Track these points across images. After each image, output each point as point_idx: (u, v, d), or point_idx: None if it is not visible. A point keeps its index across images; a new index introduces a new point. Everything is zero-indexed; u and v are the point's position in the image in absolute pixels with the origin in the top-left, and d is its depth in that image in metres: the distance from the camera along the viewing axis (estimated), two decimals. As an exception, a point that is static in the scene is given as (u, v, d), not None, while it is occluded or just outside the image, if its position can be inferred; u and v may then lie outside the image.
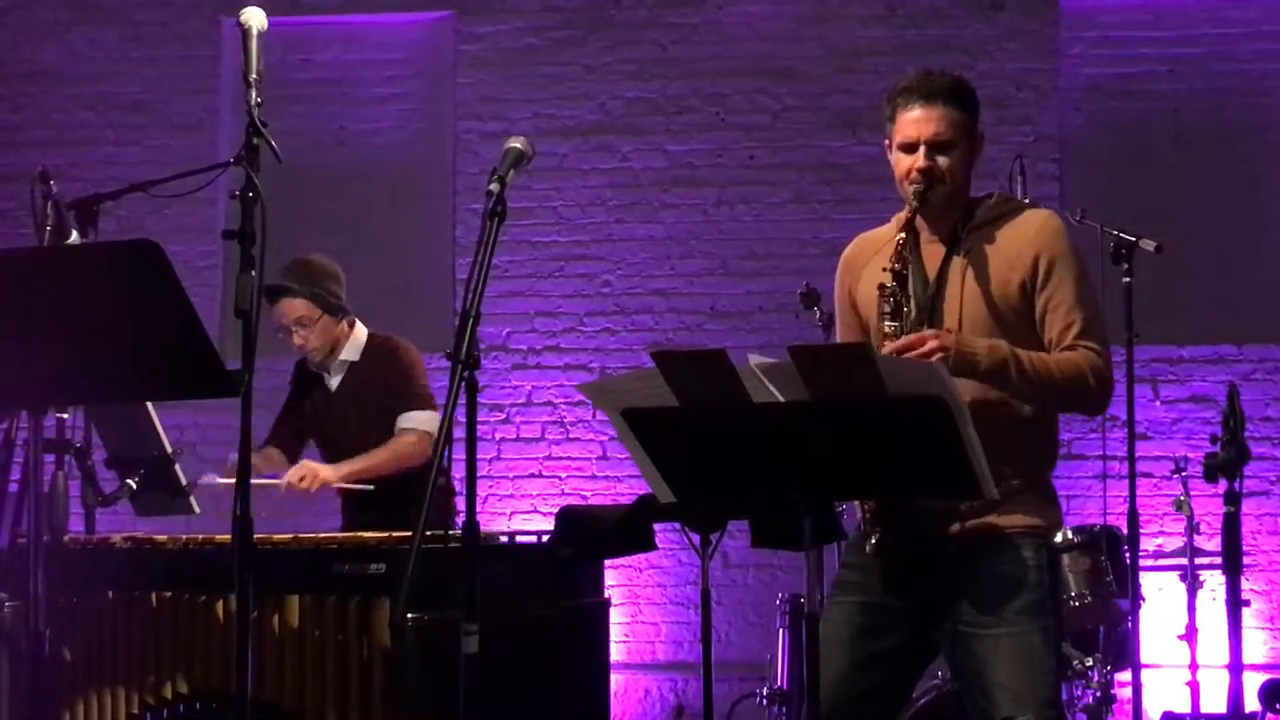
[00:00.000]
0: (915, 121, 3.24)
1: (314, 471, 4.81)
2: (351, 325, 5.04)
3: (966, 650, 3.21)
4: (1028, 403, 3.21)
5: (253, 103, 3.09)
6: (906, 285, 3.20)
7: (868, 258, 3.38)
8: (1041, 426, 3.29)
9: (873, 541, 3.19)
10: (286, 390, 5.23)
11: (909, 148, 3.26)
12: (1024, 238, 3.26)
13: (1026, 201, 3.45)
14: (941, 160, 3.24)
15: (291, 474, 4.80)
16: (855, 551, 3.31)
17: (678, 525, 4.10)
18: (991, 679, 3.16)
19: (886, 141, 3.33)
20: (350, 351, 5.02)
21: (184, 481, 3.96)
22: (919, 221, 3.28)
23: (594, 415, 7.26)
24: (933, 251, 3.30)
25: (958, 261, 3.27)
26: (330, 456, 5.02)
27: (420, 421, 4.90)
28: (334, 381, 5.05)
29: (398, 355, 5.02)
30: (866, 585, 3.26)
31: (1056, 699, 3.24)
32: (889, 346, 3.09)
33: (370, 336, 5.07)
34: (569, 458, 7.38)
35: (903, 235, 3.20)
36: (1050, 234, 3.27)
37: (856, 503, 3.27)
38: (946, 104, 3.24)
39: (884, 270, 3.19)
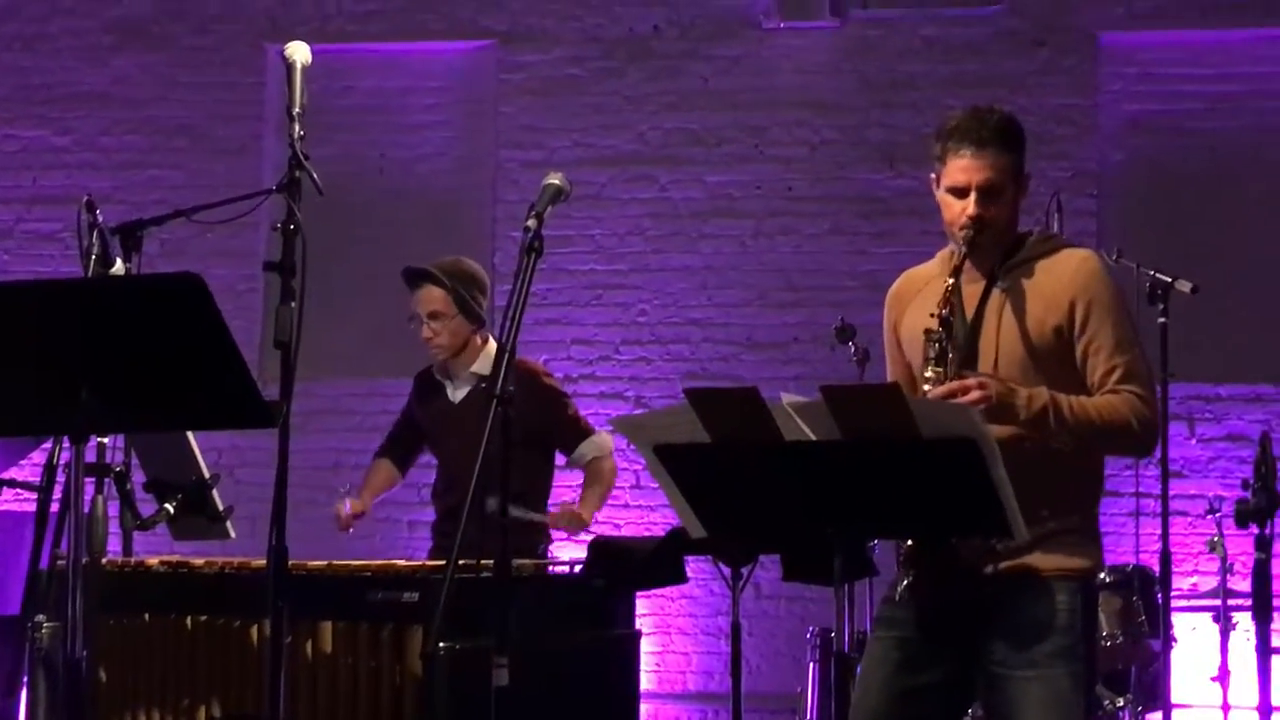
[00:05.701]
0: (965, 169, 3.22)
1: (578, 516, 4.90)
2: (485, 341, 4.92)
3: (998, 691, 3.21)
4: (1068, 449, 3.19)
5: (295, 136, 3.14)
6: (952, 331, 3.18)
7: (912, 295, 3.38)
8: (1083, 463, 3.26)
9: (905, 584, 3.18)
10: (395, 412, 5.19)
11: (959, 192, 3.24)
12: (1061, 280, 3.24)
13: (1066, 240, 3.44)
14: (992, 207, 3.23)
15: (560, 519, 4.89)
16: (893, 590, 3.30)
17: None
18: None
19: (934, 177, 3.32)
20: (482, 365, 4.87)
21: (221, 507, 4.00)
22: None
23: (628, 444, 7.24)
24: (972, 290, 3.30)
25: (996, 298, 3.26)
26: (448, 469, 4.95)
27: (599, 447, 4.98)
28: (458, 394, 4.91)
29: (541, 386, 4.88)
30: (904, 622, 3.27)
31: None
32: (932, 393, 3.08)
33: None
34: (603, 486, 7.38)
35: (951, 280, 3.20)
36: (1087, 276, 3.24)
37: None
38: (997, 149, 3.23)
39: (931, 315, 3.17)
